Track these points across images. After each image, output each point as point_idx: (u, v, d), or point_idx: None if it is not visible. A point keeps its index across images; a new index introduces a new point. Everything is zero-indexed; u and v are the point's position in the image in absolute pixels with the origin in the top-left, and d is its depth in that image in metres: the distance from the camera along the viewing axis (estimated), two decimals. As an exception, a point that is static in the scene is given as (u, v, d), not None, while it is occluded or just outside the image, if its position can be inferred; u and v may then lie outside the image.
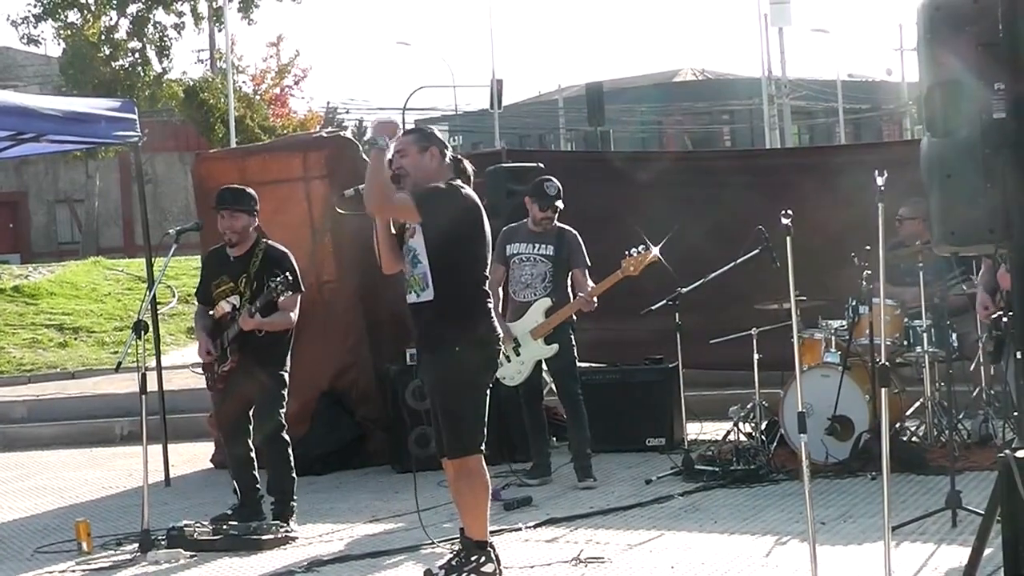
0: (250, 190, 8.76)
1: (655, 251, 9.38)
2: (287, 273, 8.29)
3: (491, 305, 6.89)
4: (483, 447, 6.78)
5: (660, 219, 10.66)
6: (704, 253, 10.53)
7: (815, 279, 9.81)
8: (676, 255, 9.92)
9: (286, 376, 8.58)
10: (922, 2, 5.42)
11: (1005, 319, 8.13)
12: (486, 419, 6.81)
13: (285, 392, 8.57)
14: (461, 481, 6.79)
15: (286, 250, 8.64)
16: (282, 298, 8.26)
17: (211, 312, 8.64)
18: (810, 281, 9.44)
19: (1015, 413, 7.11)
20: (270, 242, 8.64)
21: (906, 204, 9.71)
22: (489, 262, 6.99)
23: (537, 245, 9.70)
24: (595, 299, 9.53)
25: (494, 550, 6.80)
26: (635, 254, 9.38)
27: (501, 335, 6.94)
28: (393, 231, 6.93)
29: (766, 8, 42.26)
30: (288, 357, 8.60)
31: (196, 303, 8.98)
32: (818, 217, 10.52)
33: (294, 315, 8.49)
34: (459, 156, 7.07)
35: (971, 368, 9.58)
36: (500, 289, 9.63)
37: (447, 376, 6.74)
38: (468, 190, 6.86)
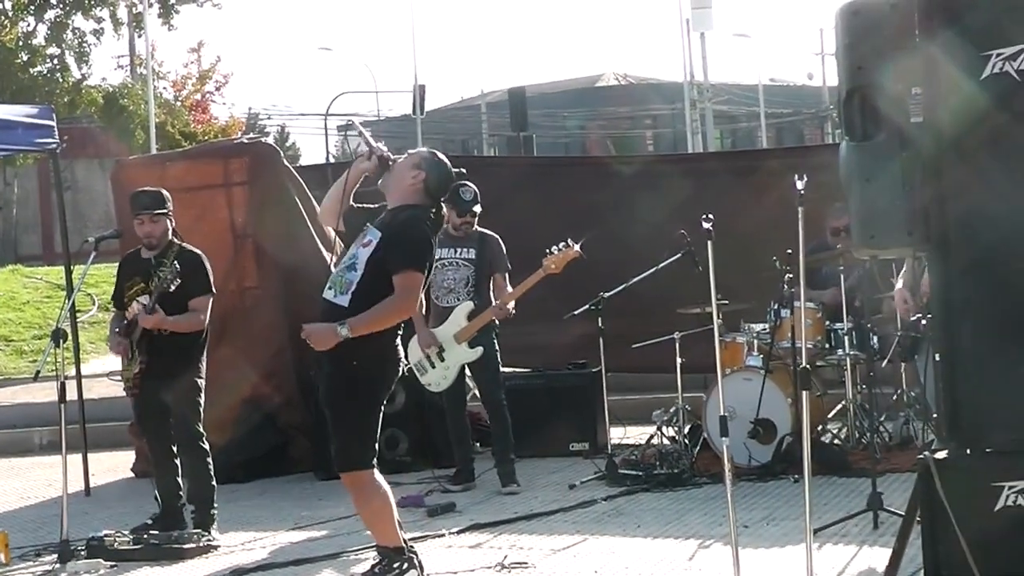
0: (164, 191, 8.65)
1: (576, 248, 9.36)
2: (175, 262, 8.17)
3: (399, 327, 6.81)
4: (374, 463, 6.65)
5: (588, 222, 10.65)
6: (636, 255, 10.51)
7: (744, 283, 9.86)
8: (608, 259, 9.90)
9: (201, 382, 8.46)
10: (840, 7, 5.48)
11: (924, 321, 8.22)
12: (378, 435, 6.71)
13: (201, 398, 8.46)
14: (355, 494, 6.73)
15: (200, 252, 8.54)
16: (172, 287, 8.12)
17: (126, 319, 8.51)
18: (739, 285, 9.50)
19: (934, 415, 7.17)
20: (184, 244, 8.53)
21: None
22: None
23: (459, 250, 9.68)
24: (511, 305, 9.52)
25: (417, 556, 6.72)
26: (556, 252, 9.38)
27: (402, 354, 6.86)
28: (351, 202, 6.89)
29: (688, 13, 42.38)
30: (202, 362, 8.48)
31: (113, 309, 8.86)
32: (745, 220, 10.58)
33: (203, 317, 8.39)
34: (443, 206, 6.94)
35: (883, 364, 9.63)
36: (423, 295, 9.59)
37: (341, 389, 6.67)
38: (432, 239, 6.79)
